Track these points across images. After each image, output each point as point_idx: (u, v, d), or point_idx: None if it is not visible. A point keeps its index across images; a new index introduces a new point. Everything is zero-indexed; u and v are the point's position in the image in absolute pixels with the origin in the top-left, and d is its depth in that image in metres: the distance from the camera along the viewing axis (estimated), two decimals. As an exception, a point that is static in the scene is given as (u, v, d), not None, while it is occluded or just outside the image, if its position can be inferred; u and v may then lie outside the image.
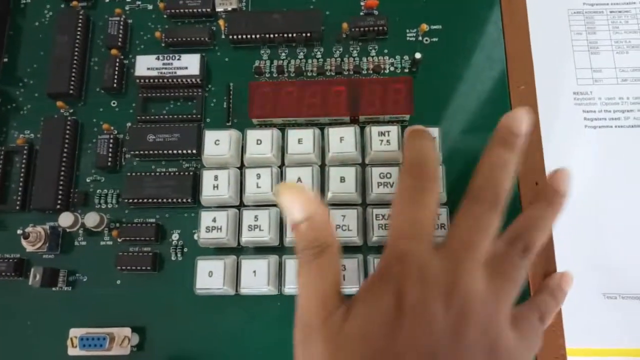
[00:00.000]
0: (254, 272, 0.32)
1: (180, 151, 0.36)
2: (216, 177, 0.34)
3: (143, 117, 0.38)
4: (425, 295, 0.24)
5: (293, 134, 0.34)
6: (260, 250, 0.35)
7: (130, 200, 0.36)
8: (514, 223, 0.29)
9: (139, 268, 0.35)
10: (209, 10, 0.39)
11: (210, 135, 0.35)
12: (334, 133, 0.34)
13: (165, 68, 0.37)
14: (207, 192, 0.34)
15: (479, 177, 0.28)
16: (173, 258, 0.36)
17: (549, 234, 0.29)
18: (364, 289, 0.26)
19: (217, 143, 0.34)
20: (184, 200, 0.35)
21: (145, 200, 0.36)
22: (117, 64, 0.38)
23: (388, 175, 0.33)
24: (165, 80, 0.37)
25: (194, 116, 0.37)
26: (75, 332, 0.34)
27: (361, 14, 0.39)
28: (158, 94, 0.38)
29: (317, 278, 0.26)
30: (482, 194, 0.27)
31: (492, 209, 0.27)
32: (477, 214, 0.26)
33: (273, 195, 0.33)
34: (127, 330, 0.34)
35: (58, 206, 0.36)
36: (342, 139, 0.34)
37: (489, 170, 0.28)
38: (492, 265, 0.26)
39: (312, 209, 0.26)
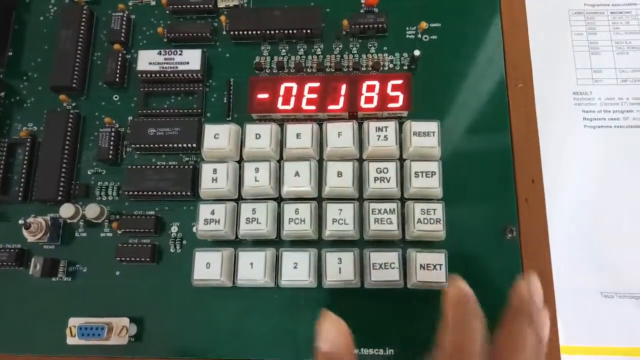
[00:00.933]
0: (251, 264, 0.33)
1: (180, 145, 0.37)
2: (215, 171, 0.34)
3: (144, 111, 0.38)
4: None
5: (292, 129, 0.35)
6: (258, 243, 0.35)
7: (131, 193, 0.36)
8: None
9: (138, 259, 0.35)
10: (210, 6, 0.39)
11: (210, 129, 0.35)
12: (332, 128, 0.35)
13: (167, 63, 0.38)
14: (206, 185, 0.34)
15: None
16: (172, 250, 0.36)
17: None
18: None
19: (217, 137, 0.35)
20: (184, 193, 0.36)
21: (145, 192, 0.36)
22: (120, 59, 0.39)
23: (385, 170, 0.33)
24: (167, 75, 0.38)
25: (195, 110, 0.38)
26: (74, 322, 0.34)
27: (361, 11, 0.39)
28: (159, 89, 0.39)
29: None
30: None
31: None
32: None
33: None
34: (125, 321, 0.34)
35: (59, 197, 0.36)
36: (340, 134, 0.34)
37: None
38: None
39: (338, 346, 0.25)
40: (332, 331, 0.26)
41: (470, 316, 0.26)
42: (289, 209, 0.33)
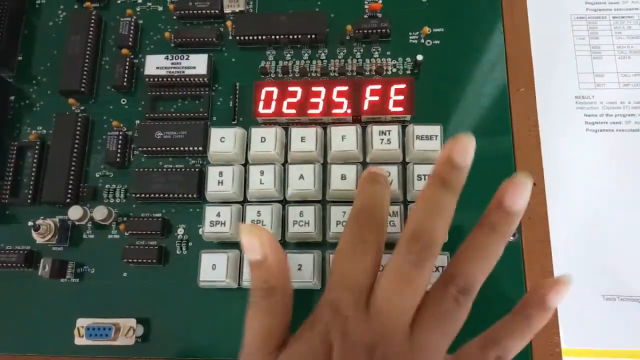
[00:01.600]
0: (256, 266, 0.33)
1: (186, 148, 0.37)
2: (221, 174, 0.35)
3: (151, 115, 0.39)
4: (347, 353, 0.24)
5: (296, 132, 0.35)
6: (263, 245, 0.35)
7: (138, 195, 0.37)
8: (454, 257, 0.26)
9: (144, 261, 0.36)
10: (217, 11, 0.40)
11: (216, 133, 0.36)
12: (336, 132, 0.35)
13: (174, 67, 0.38)
14: (212, 188, 0.35)
15: (412, 223, 0.25)
16: (178, 252, 0.37)
17: (494, 264, 0.26)
18: (301, 329, 0.27)
19: (223, 140, 0.35)
20: (190, 195, 0.36)
21: (152, 195, 0.37)
22: (128, 63, 0.39)
23: (388, 174, 0.34)
24: (174, 79, 0.38)
25: (201, 114, 0.38)
26: (82, 322, 0.35)
27: (365, 16, 0.40)
28: (166, 93, 0.39)
29: (263, 318, 0.27)
30: (414, 245, 0.24)
31: (423, 262, 0.24)
32: (407, 270, 0.24)
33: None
34: (132, 321, 0.35)
35: (68, 200, 0.37)
36: (344, 138, 0.35)
37: (424, 215, 0.25)
38: (422, 318, 0.25)
39: (267, 251, 0.27)
40: (255, 240, 0.27)
41: (373, 183, 0.28)
42: (293, 212, 0.34)
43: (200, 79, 0.38)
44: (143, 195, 0.37)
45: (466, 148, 0.25)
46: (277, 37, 0.39)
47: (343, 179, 0.34)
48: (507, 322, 0.27)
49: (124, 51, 0.40)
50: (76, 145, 0.38)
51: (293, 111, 0.36)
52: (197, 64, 0.38)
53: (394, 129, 0.35)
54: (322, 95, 0.36)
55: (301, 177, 0.34)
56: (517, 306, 0.27)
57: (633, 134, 0.42)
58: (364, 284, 0.25)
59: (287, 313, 0.27)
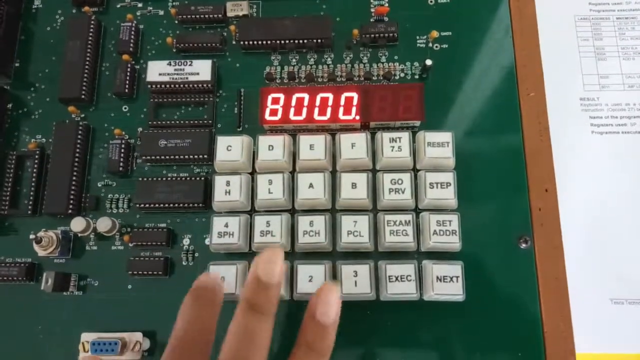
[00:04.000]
0: (266, 277, 0.32)
1: (191, 156, 0.36)
2: (228, 183, 0.34)
3: (154, 122, 0.38)
4: None
5: (305, 140, 0.35)
6: (272, 255, 0.35)
7: (142, 205, 0.36)
8: None
9: (150, 273, 0.35)
10: (220, 16, 0.39)
11: (222, 141, 0.35)
12: (345, 139, 0.34)
13: (177, 74, 0.37)
14: (219, 198, 0.34)
15: (225, 354, 0.25)
16: (184, 263, 0.36)
17: None
18: None
19: (229, 149, 0.35)
20: (195, 205, 0.36)
21: (156, 205, 0.36)
22: (129, 69, 0.38)
23: (399, 182, 0.33)
24: (177, 85, 0.37)
25: (205, 121, 0.38)
26: (86, 337, 0.34)
27: (371, 20, 0.39)
28: (169, 99, 0.38)
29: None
30: None
31: None
32: None
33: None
34: (138, 335, 0.34)
35: (70, 211, 0.36)
36: (354, 145, 0.34)
37: (236, 345, 0.25)
38: None
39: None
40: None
41: (195, 305, 0.27)
42: (303, 221, 0.33)
43: (204, 85, 0.38)
44: (147, 205, 0.36)
45: (271, 262, 0.25)
46: (282, 41, 0.38)
47: (353, 187, 0.33)
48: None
49: (125, 57, 0.39)
50: (77, 154, 0.37)
51: (300, 118, 0.35)
52: (201, 69, 0.38)
53: (405, 136, 0.34)
54: (330, 102, 0.35)
55: (310, 185, 0.34)
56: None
57: (638, 136, 0.42)
58: None
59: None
